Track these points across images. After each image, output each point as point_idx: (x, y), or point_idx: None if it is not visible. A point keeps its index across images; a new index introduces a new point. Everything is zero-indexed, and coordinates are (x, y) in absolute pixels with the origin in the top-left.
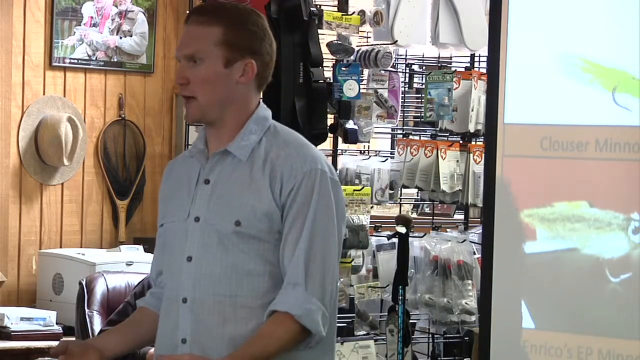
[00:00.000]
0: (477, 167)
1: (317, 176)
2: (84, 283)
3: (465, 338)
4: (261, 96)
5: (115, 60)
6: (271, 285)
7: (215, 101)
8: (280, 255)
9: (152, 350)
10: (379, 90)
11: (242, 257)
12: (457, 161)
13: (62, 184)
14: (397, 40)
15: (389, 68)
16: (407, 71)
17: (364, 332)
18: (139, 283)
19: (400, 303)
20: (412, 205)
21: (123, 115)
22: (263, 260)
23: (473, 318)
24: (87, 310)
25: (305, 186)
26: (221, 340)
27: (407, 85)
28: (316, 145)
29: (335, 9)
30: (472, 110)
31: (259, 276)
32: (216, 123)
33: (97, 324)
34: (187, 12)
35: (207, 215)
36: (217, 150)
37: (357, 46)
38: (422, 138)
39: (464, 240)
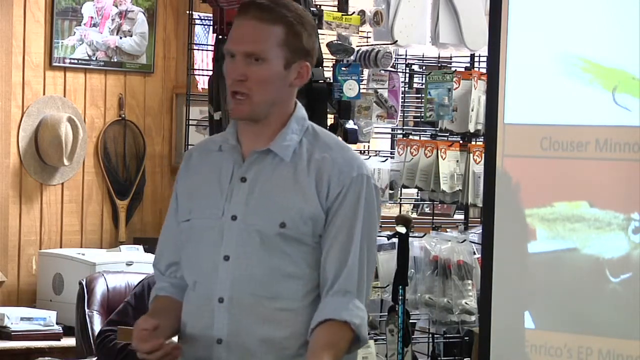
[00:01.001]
0: (477, 167)
1: (364, 182)
2: (84, 283)
3: (465, 338)
4: None
5: (115, 60)
6: (309, 289)
7: (268, 101)
8: (324, 259)
9: None
10: (379, 90)
11: (285, 259)
12: (457, 161)
13: (62, 184)
14: (397, 40)
15: (389, 68)
16: (407, 71)
17: None
18: (139, 283)
19: (400, 303)
20: (412, 205)
21: (123, 115)
22: (304, 263)
23: (473, 318)
24: (87, 310)
25: (353, 192)
26: (258, 342)
27: (407, 85)
28: None
29: (335, 9)
30: (472, 110)
31: (299, 279)
32: (261, 122)
33: (97, 324)
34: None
35: (246, 214)
36: (253, 147)
37: (357, 46)
38: (422, 138)
39: (464, 240)
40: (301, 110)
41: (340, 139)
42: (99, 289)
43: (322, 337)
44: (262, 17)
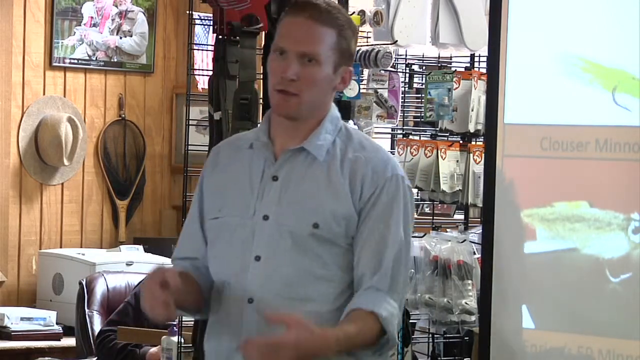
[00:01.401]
0: (477, 167)
1: (399, 183)
2: (84, 283)
3: (465, 338)
4: (261, 95)
5: (115, 60)
6: (340, 291)
7: (313, 102)
8: (357, 260)
9: (152, 349)
10: (379, 90)
11: (316, 261)
12: (457, 161)
13: (62, 184)
14: (397, 40)
15: (389, 68)
16: (407, 71)
17: None
18: (139, 283)
19: None
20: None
21: (123, 115)
22: (336, 265)
23: (473, 318)
24: (87, 310)
25: (387, 192)
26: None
27: (407, 85)
28: None
29: None
30: (472, 110)
31: (331, 281)
32: (300, 121)
33: (97, 323)
34: (188, 12)
35: (278, 214)
36: (286, 145)
37: (357, 46)
38: (422, 138)
39: (464, 240)
40: (335, 111)
41: (373, 140)
42: (99, 289)
43: (342, 322)
44: (318, 19)
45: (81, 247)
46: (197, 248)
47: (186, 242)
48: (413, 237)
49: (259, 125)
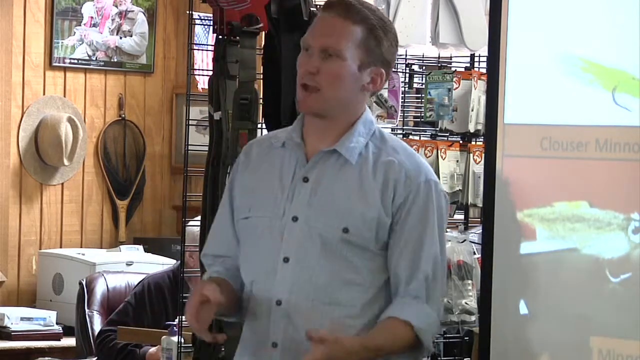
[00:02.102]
0: (477, 167)
1: (433, 188)
2: (84, 283)
3: (465, 338)
4: (261, 95)
5: (115, 60)
6: (371, 297)
7: (338, 99)
8: (394, 266)
9: (152, 349)
10: None
11: (346, 265)
12: (457, 161)
13: (62, 184)
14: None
15: None
16: (407, 71)
17: None
18: (139, 283)
19: None
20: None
21: (123, 115)
22: (366, 269)
23: (473, 318)
24: (87, 310)
25: (422, 197)
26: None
27: (407, 85)
28: None
29: None
30: (472, 110)
31: (360, 286)
32: (327, 120)
33: (97, 323)
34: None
35: (308, 216)
36: (318, 147)
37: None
38: (422, 138)
39: (464, 240)
40: (369, 114)
41: (407, 145)
42: (99, 289)
43: (379, 326)
44: (344, 15)
45: (81, 247)
46: (228, 246)
47: (217, 239)
48: None
49: (293, 124)
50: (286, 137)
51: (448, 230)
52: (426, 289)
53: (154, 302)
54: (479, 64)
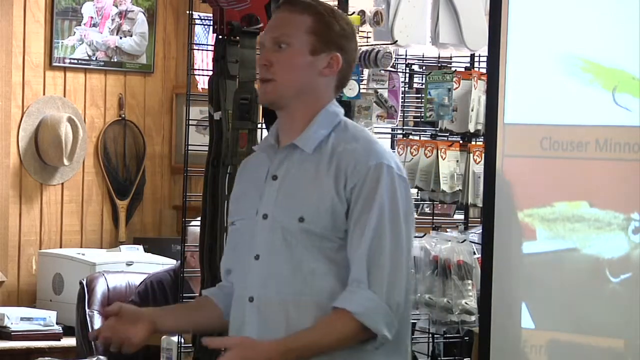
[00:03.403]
0: (477, 167)
1: (383, 171)
2: (84, 283)
3: (465, 338)
4: None
5: (115, 60)
6: (337, 286)
7: (294, 86)
8: (348, 253)
9: None
10: (379, 90)
11: (307, 256)
12: (457, 161)
13: (62, 184)
14: (397, 40)
15: (389, 68)
16: (407, 71)
17: None
18: (142, 282)
19: None
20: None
21: (123, 115)
22: (327, 259)
23: (473, 318)
24: (87, 310)
25: (371, 181)
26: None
27: (407, 85)
28: None
29: None
30: (472, 110)
31: (324, 275)
32: (288, 110)
33: (97, 323)
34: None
35: (274, 212)
36: (285, 143)
37: (357, 46)
38: (422, 138)
39: (464, 240)
40: (334, 107)
41: (371, 133)
42: (100, 289)
43: (317, 322)
44: (291, 9)
45: (81, 247)
46: (230, 255)
47: (225, 254)
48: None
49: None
50: (264, 140)
51: (448, 230)
52: (367, 272)
53: (157, 301)
54: (479, 64)
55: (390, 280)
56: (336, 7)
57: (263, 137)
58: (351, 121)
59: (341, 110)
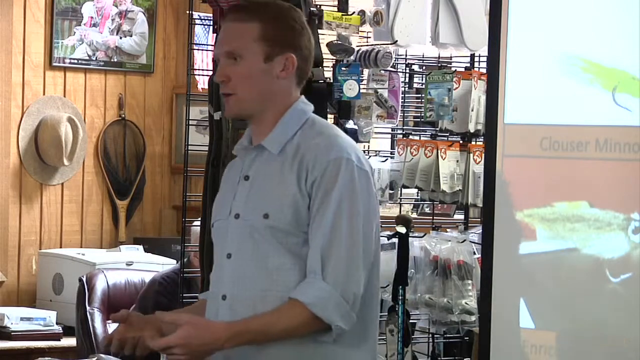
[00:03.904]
0: (477, 167)
1: (342, 164)
2: (84, 280)
3: (465, 338)
4: None
5: (115, 60)
6: (302, 278)
7: (255, 96)
8: (309, 245)
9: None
10: (379, 90)
11: (272, 252)
12: (457, 161)
13: (62, 184)
14: (397, 40)
15: (389, 68)
16: (407, 71)
17: None
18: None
19: (400, 303)
20: (412, 205)
21: (123, 115)
22: (292, 254)
23: (473, 318)
24: (88, 308)
25: (330, 174)
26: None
27: (407, 85)
28: None
29: (335, 9)
30: (472, 110)
31: (290, 270)
32: (256, 117)
33: (98, 321)
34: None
35: (244, 211)
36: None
37: (357, 46)
38: (422, 138)
39: (464, 240)
40: (302, 105)
41: (339, 129)
42: (99, 286)
43: (255, 315)
44: (237, 18)
45: (81, 247)
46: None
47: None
48: (413, 237)
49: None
50: (238, 144)
51: (448, 230)
52: (322, 264)
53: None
54: (479, 64)
55: (346, 272)
56: (290, 7)
57: None
58: (320, 118)
59: (310, 107)
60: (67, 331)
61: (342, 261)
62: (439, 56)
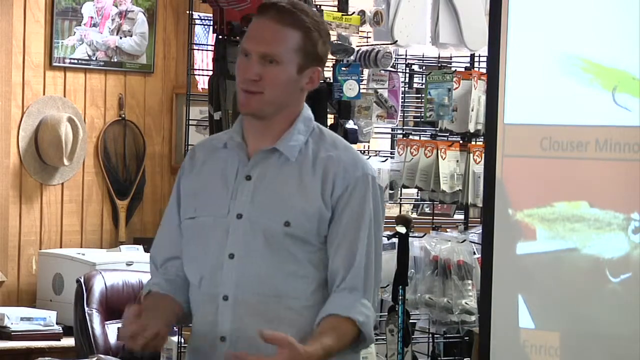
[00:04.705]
0: (477, 167)
1: (369, 182)
2: (82, 281)
3: (465, 338)
4: None
5: (115, 60)
6: (315, 288)
7: (279, 101)
8: (332, 258)
9: None
10: (379, 90)
11: (289, 258)
12: (457, 161)
13: (62, 184)
14: (397, 40)
15: (389, 68)
16: (407, 71)
17: None
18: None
19: (400, 303)
20: (412, 205)
21: (123, 115)
22: (308, 262)
23: (473, 318)
24: (86, 309)
25: (359, 191)
26: (261, 340)
27: (407, 85)
28: None
29: (335, 9)
30: (472, 110)
31: (303, 278)
32: (267, 119)
33: (96, 322)
34: (188, 12)
35: (251, 213)
36: (259, 146)
37: (357, 46)
38: (422, 138)
39: (464, 240)
40: (308, 111)
41: (344, 140)
42: (97, 287)
43: (325, 326)
44: (281, 20)
45: (81, 247)
46: (175, 245)
47: (164, 242)
48: (413, 236)
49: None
50: (227, 139)
51: (448, 230)
52: (362, 281)
53: None
54: (479, 64)
55: (375, 288)
56: (316, 12)
57: None
58: (321, 125)
59: (312, 115)
60: (67, 331)
61: (375, 278)
62: (439, 56)
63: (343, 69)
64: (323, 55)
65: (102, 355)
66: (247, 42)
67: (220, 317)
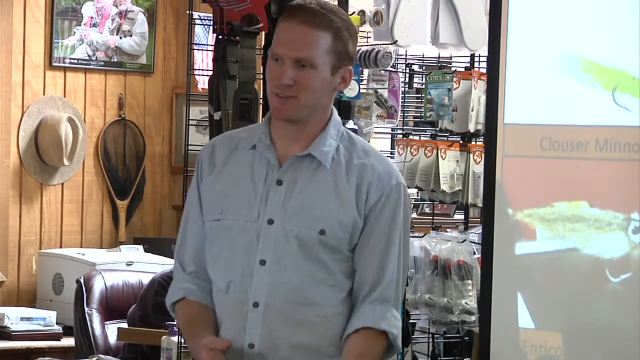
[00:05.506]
0: (477, 167)
1: (402, 191)
2: (81, 281)
3: (465, 338)
4: (261, 95)
5: (115, 60)
6: (343, 296)
7: (314, 104)
8: (362, 266)
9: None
10: (379, 90)
11: (321, 266)
12: (457, 161)
13: (62, 184)
14: (397, 40)
15: (389, 68)
16: (407, 71)
17: None
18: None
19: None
20: (412, 205)
21: (123, 115)
22: (339, 271)
23: (473, 318)
24: (86, 309)
25: (392, 201)
26: (290, 347)
27: (407, 85)
28: None
29: None
30: (472, 110)
31: (333, 287)
32: (301, 123)
33: (96, 322)
34: (188, 12)
35: (284, 219)
36: (289, 150)
37: (357, 46)
38: (422, 138)
39: (464, 240)
40: (337, 115)
41: (372, 146)
42: (97, 287)
43: (356, 346)
44: (311, 23)
45: (81, 247)
46: (201, 247)
47: (194, 245)
48: (413, 237)
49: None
50: (255, 140)
51: (448, 230)
52: (393, 292)
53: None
54: (479, 64)
55: (401, 298)
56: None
57: None
58: (347, 129)
59: (339, 118)
60: (67, 331)
61: (402, 290)
62: (439, 56)
63: None
64: (353, 54)
65: (102, 355)
66: (279, 47)
67: (249, 323)
